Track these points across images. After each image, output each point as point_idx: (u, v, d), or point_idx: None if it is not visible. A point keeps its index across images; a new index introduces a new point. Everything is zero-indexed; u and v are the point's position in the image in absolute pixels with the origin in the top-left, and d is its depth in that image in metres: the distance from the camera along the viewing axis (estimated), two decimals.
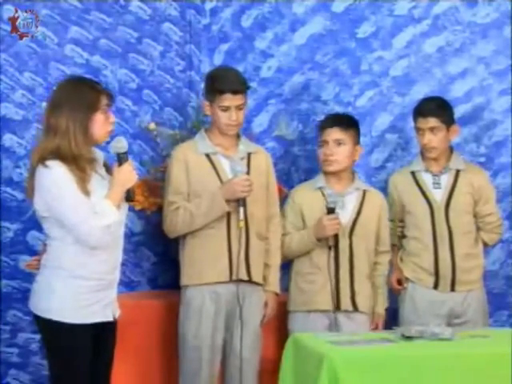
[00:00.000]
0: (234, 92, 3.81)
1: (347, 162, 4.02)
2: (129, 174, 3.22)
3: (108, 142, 3.34)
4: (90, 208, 3.12)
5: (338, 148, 3.98)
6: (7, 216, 4.06)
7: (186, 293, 3.84)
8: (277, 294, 3.97)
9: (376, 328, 3.99)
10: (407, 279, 4.14)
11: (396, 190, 4.19)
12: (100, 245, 3.16)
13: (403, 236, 4.20)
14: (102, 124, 3.21)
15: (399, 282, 4.17)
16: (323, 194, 4.00)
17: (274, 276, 3.96)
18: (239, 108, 3.84)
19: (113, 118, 3.26)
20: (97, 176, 3.23)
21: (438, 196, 4.11)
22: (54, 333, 3.18)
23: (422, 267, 4.10)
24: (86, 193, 3.12)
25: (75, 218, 3.11)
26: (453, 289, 4.06)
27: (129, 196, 3.25)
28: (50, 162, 3.11)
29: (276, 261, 3.97)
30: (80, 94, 3.18)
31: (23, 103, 4.08)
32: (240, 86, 3.84)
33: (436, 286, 4.08)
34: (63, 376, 3.20)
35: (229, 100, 3.81)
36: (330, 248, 3.90)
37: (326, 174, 4.05)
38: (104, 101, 3.21)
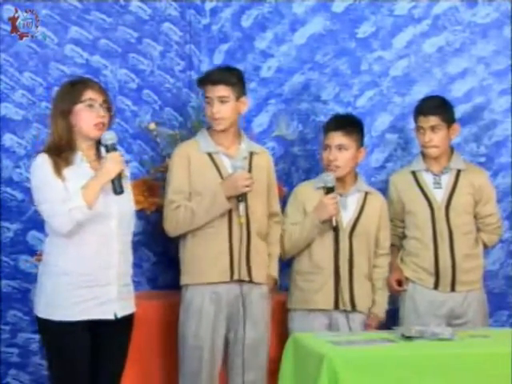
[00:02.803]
0: (214, 82, 3.80)
1: (350, 165, 4.02)
2: (111, 164, 3.23)
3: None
4: (61, 195, 3.15)
5: (340, 153, 3.97)
6: (7, 216, 4.06)
7: (186, 292, 3.83)
8: (275, 281, 3.96)
9: (369, 327, 3.96)
10: (407, 279, 4.13)
11: (396, 189, 4.19)
12: (63, 231, 3.16)
13: (404, 236, 4.19)
14: (84, 117, 3.25)
15: (399, 283, 4.16)
16: None
17: (274, 262, 3.95)
18: (222, 100, 3.81)
19: (101, 113, 3.28)
20: (90, 171, 3.26)
21: (439, 196, 4.10)
22: (46, 331, 3.21)
23: (422, 267, 4.09)
24: (62, 178, 3.17)
25: (44, 205, 3.18)
26: (453, 289, 4.06)
27: (114, 188, 3.24)
28: (37, 155, 3.23)
29: (275, 250, 3.97)
30: (64, 91, 3.30)
31: (23, 103, 4.09)
32: (220, 76, 3.81)
33: (436, 286, 4.07)
34: (58, 375, 3.21)
35: (209, 91, 3.81)
36: (334, 229, 3.90)
37: None
38: (88, 95, 3.26)
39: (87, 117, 3.25)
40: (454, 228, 4.06)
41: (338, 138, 3.98)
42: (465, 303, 4.07)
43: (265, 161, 3.98)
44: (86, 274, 3.21)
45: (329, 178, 3.92)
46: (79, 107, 3.24)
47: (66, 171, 3.20)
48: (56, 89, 3.36)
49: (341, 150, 3.97)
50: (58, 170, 3.18)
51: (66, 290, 3.19)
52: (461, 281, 4.05)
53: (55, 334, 3.18)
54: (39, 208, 3.23)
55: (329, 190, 3.91)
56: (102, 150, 3.34)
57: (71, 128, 3.25)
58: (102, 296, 3.25)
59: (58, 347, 3.19)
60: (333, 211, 3.87)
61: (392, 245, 4.17)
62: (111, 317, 3.28)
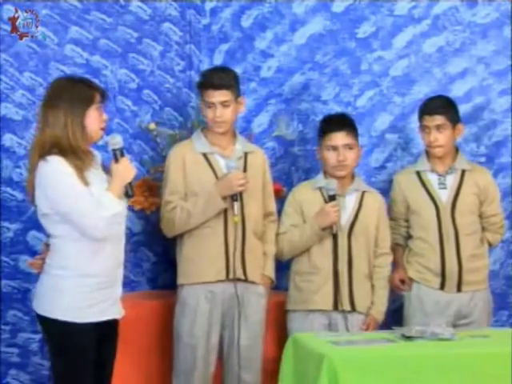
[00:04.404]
0: (216, 87, 3.82)
1: (355, 165, 4.05)
2: (126, 169, 3.24)
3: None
4: (91, 200, 3.12)
5: (348, 153, 3.99)
6: (7, 216, 4.06)
7: (181, 291, 3.85)
8: (272, 280, 3.97)
9: (367, 329, 3.95)
10: (411, 279, 4.12)
11: (401, 189, 4.18)
12: (106, 236, 3.16)
13: (408, 236, 4.19)
14: (95, 120, 3.23)
15: (403, 282, 4.14)
16: (323, 194, 4.01)
17: (269, 262, 3.96)
18: (224, 105, 3.84)
19: (105, 116, 3.28)
20: (95, 171, 3.25)
21: (444, 196, 4.09)
22: (61, 333, 3.17)
23: (427, 267, 4.08)
24: (86, 183, 3.14)
25: (79, 211, 3.12)
26: (459, 289, 4.05)
27: (127, 192, 3.25)
28: (49, 157, 3.13)
29: (271, 249, 3.98)
30: (76, 90, 3.22)
31: (23, 103, 4.08)
32: (222, 81, 3.83)
33: (442, 287, 4.06)
34: (69, 376, 3.19)
35: (211, 96, 3.83)
36: (334, 236, 3.91)
37: (327, 174, 4.05)
38: (97, 97, 3.25)
39: (96, 120, 3.23)
40: (459, 228, 4.05)
41: (343, 138, 3.99)
42: (471, 303, 4.06)
43: (260, 160, 4.00)
44: (105, 275, 3.22)
45: (331, 187, 3.92)
46: (91, 110, 3.21)
47: (87, 175, 3.17)
48: (56, 84, 3.28)
49: (349, 150, 3.99)
50: (81, 174, 3.14)
51: (85, 291, 3.17)
52: (467, 281, 4.04)
53: (69, 335, 3.16)
54: (67, 214, 3.12)
55: (331, 198, 3.91)
56: (91, 150, 3.33)
57: (85, 130, 3.21)
58: (113, 296, 3.27)
59: (70, 348, 3.17)
60: (334, 219, 3.88)
61: (397, 244, 4.18)
62: (119, 316, 3.31)
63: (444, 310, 4.03)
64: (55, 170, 3.12)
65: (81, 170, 3.15)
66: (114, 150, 3.26)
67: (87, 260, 3.18)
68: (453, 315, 4.04)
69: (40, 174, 3.14)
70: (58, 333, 3.19)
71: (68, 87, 3.24)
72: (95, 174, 3.23)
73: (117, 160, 3.25)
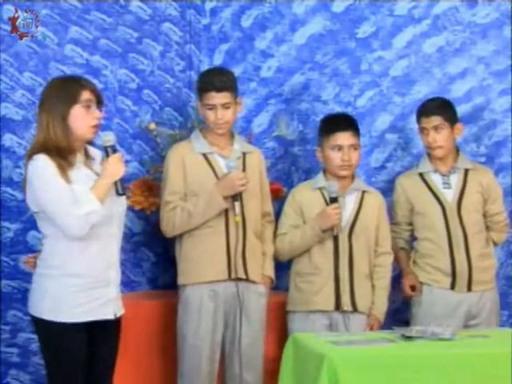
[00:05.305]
0: (218, 90, 3.83)
1: (357, 165, 4.06)
2: (115, 166, 3.22)
3: None
4: (71, 198, 3.12)
5: (353, 153, 4.00)
6: (7, 216, 4.06)
7: (184, 292, 3.85)
8: (272, 280, 3.97)
9: (370, 330, 3.95)
10: (422, 283, 4.09)
11: (404, 192, 4.17)
12: (79, 234, 3.14)
13: (414, 239, 4.18)
14: (81, 118, 3.21)
15: (413, 288, 4.12)
16: (323, 194, 4.01)
17: (268, 262, 3.97)
18: (225, 107, 3.85)
19: (97, 114, 3.26)
20: (86, 170, 3.25)
21: (449, 196, 4.09)
22: (49, 333, 3.19)
23: (437, 268, 4.06)
24: (68, 182, 3.14)
25: (55, 208, 3.13)
26: (469, 289, 4.05)
27: (117, 189, 3.23)
28: (36, 156, 3.16)
29: (270, 249, 3.99)
30: (60, 89, 3.23)
31: (23, 103, 4.08)
32: (223, 83, 3.84)
33: (453, 287, 4.05)
34: (59, 376, 3.19)
35: (213, 98, 3.84)
36: (334, 236, 3.91)
37: (327, 173, 4.06)
38: (86, 95, 3.23)
39: (84, 118, 3.22)
40: (467, 227, 4.05)
41: (349, 138, 4.00)
42: (480, 303, 4.06)
43: (257, 161, 4.02)
44: (93, 275, 3.21)
45: (333, 189, 3.93)
46: (76, 108, 3.21)
47: (70, 173, 3.17)
48: (47, 85, 3.32)
49: (353, 150, 4.00)
50: (64, 172, 3.14)
51: (72, 291, 3.17)
52: (477, 280, 4.04)
53: (57, 335, 3.16)
54: (48, 212, 3.15)
55: (332, 200, 3.91)
56: (92, 149, 3.34)
57: (69, 130, 3.21)
58: (104, 296, 3.25)
59: (57, 348, 3.17)
60: (335, 221, 3.88)
61: (401, 248, 4.17)
62: (111, 317, 3.29)
63: (454, 312, 4.02)
64: (39, 168, 3.14)
65: (64, 169, 3.15)
66: (105, 147, 3.26)
67: (74, 260, 3.18)
68: (463, 316, 4.02)
69: (28, 172, 3.18)
70: (46, 332, 3.20)
71: (54, 87, 3.26)
72: (84, 172, 3.23)
73: (108, 157, 3.25)
